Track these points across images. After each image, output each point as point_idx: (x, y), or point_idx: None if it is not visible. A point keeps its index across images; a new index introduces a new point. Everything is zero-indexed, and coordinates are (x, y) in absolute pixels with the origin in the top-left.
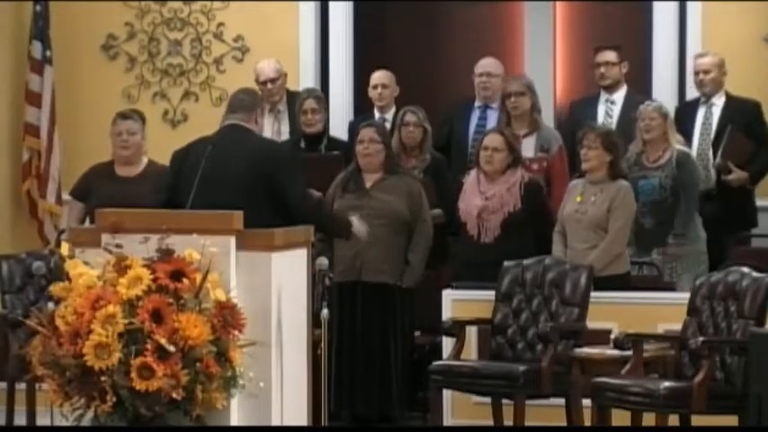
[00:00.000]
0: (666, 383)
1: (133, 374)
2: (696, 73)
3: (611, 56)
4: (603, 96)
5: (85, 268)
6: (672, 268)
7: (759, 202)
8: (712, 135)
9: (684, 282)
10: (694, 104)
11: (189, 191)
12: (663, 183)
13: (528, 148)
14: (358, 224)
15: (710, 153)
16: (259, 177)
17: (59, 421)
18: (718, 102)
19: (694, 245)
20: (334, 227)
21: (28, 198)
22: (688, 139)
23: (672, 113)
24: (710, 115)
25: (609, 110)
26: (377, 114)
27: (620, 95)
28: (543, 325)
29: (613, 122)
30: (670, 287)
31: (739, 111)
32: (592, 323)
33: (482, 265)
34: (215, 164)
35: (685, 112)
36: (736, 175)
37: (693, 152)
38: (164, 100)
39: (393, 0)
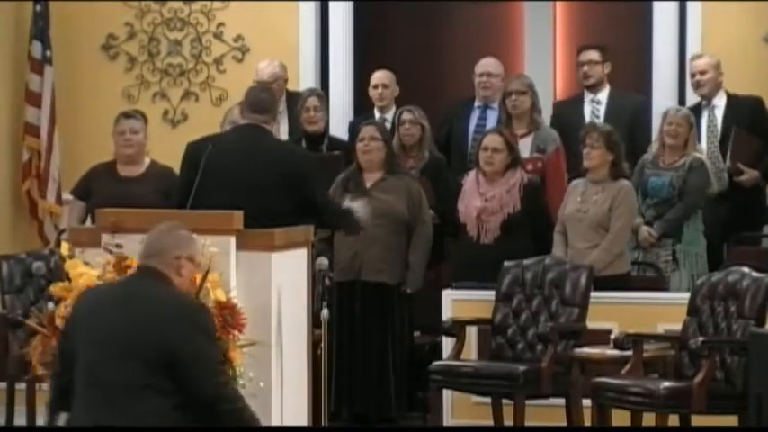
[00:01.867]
0: (666, 383)
1: None
2: (693, 75)
3: (593, 55)
4: (588, 96)
5: (85, 268)
6: (666, 263)
7: None
8: (719, 137)
9: (678, 280)
10: (697, 109)
11: (205, 190)
12: (674, 182)
13: (524, 148)
14: (357, 207)
15: (720, 156)
16: (281, 178)
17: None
18: (719, 103)
19: (692, 247)
20: (348, 223)
21: (28, 198)
22: None
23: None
24: (714, 118)
25: (595, 110)
26: (377, 114)
27: (603, 95)
28: (543, 325)
29: (600, 122)
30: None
31: (742, 109)
32: (592, 323)
33: (482, 266)
34: (235, 164)
35: None
36: (748, 175)
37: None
38: (164, 100)
39: (393, 0)
